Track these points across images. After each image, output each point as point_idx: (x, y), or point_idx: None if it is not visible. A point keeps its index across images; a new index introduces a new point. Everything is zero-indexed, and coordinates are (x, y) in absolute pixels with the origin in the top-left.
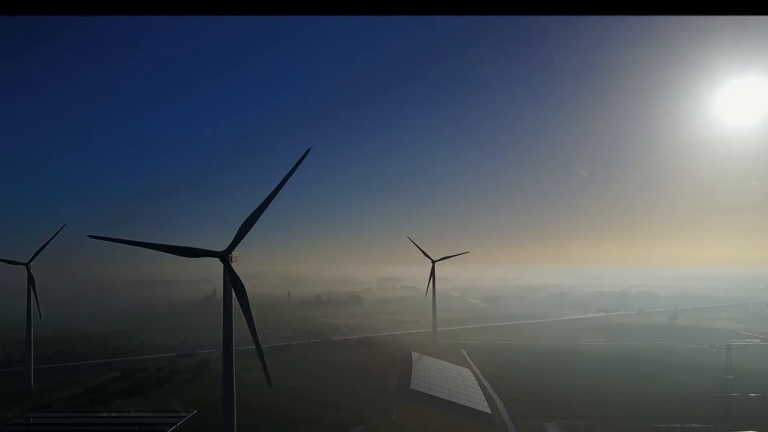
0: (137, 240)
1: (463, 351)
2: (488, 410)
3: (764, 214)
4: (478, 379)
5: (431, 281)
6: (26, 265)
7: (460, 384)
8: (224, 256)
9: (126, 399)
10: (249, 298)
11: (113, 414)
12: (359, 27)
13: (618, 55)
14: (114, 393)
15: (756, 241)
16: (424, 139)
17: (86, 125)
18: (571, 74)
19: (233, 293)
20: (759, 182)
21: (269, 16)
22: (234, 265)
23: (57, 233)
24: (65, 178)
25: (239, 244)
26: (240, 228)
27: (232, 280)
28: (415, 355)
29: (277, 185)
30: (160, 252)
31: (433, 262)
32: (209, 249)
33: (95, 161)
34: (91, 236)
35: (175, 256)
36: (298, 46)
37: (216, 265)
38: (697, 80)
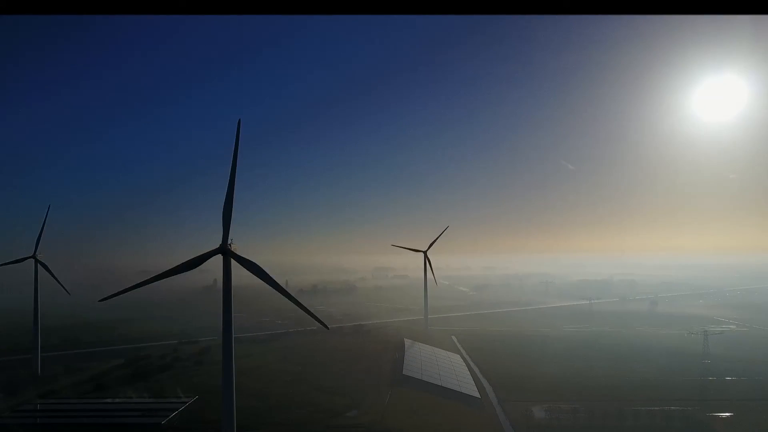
0: (144, 281)
1: (454, 337)
2: (477, 394)
3: (740, 206)
4: (467, 365)
5: (428, 270)
6: (33, 257)
7: (451, 369)
8: (225, 250)
9: (130, 385)
10: (249, 288)
11: (118, 399)
12: (354, 28)
13: (600, 55)
14: (118, 379)
15: (731, 231)
16: (416, 134)
17: (92, 123)
18: (555, 73)
19: (256, 276)
20: (736, 175)
21: (266, 18)
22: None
23: (46, 217)
24: (72, 174)
25: (237, 236)
26: (223, 220)
27: (246, 266)
28: (407, 341)
29: (231, 166)
30: (162, 245)
31: (425, 253)
32: (207, 251)
33: (101, 157)
34: (102, 300)
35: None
36: (295, 47)
37: (216, 256)
38: (676, 78)
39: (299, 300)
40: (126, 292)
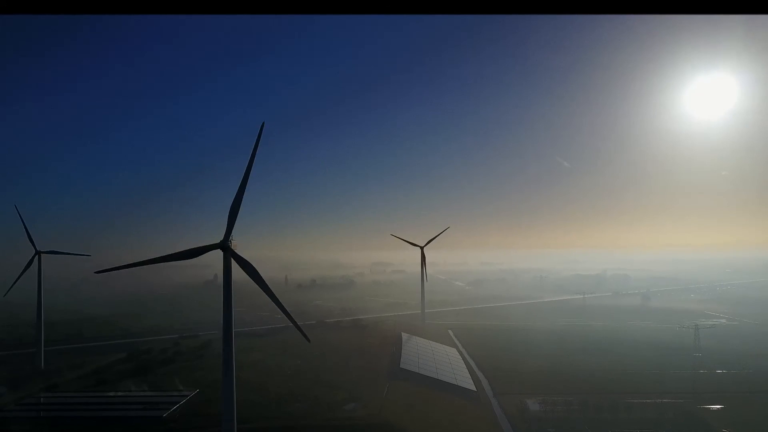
0: (142, 260)
1: (450, 331)
2: (473, 387)
3: (731, 202)
4: (463, 358)
5: (423, 267)
6: (38, 253)
7: (447, 363)
8: (225, 246)
9: (132, 379)
10: (249, 283)
11: (119, 393)
12: (351, 27)
13: (594, 54)
14: (120, 373)
15: (723, 227)
16: (413, 132)
17: (92, 123)
18: (550, 72)
19: (249, 276)
20: (728, 172)
21: (264, 18)
22: (237, 251)
23: (78, 254)
24: (73, 172)
25: (237, 232)
26: (228, 216)
27: (242, 265)
28: (404, 335)
29: (247, 166)
30: (163, 243)
31: (422, 248)
32: (208, 244)
33: (102, 156)
34: (97, 272)
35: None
36: (293, 47)
37: (216, 252)
38: (668, 76)
39: (289, 312)
40: (123, 268)
